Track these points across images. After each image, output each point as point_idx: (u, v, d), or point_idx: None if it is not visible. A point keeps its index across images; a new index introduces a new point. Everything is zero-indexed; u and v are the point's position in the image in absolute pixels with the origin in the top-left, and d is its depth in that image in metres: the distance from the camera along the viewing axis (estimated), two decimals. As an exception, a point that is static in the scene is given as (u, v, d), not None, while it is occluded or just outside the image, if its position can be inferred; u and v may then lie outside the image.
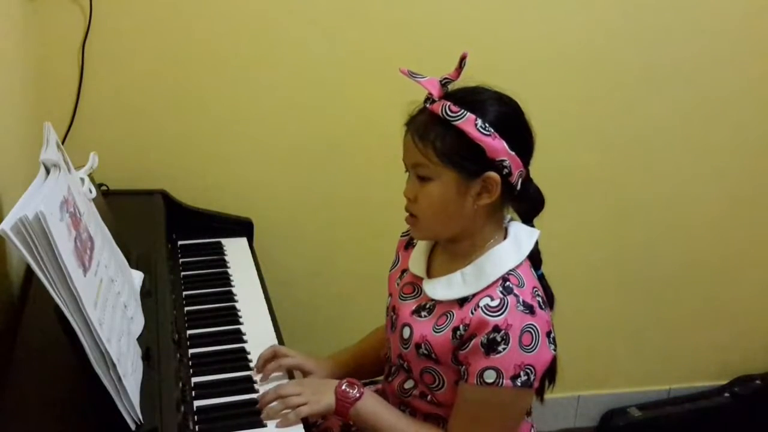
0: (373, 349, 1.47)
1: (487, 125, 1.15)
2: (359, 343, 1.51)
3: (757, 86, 2.25)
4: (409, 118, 1.23)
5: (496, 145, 1.16)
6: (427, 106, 1.20)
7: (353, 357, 1.48)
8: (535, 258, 1.26)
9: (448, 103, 1.17)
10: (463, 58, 1.20)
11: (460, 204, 1.19)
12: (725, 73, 2.21)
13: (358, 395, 1.25)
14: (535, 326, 1.16)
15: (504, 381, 1.14)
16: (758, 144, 2.31)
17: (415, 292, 1.30)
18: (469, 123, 1.15)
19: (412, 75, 1.21)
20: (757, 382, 2.49)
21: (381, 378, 1.44)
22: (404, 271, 1.35)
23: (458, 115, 1.16)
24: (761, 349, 2.54)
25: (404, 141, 1.23)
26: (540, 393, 1.26)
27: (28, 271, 1.39)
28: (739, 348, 2.53)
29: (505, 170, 1.18)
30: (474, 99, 1.19)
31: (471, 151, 1.16)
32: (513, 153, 1.17)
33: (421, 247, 1.33)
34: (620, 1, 2.07)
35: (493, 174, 1.17)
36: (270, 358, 1.35)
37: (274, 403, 1.22)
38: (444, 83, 1.20)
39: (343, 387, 1.26)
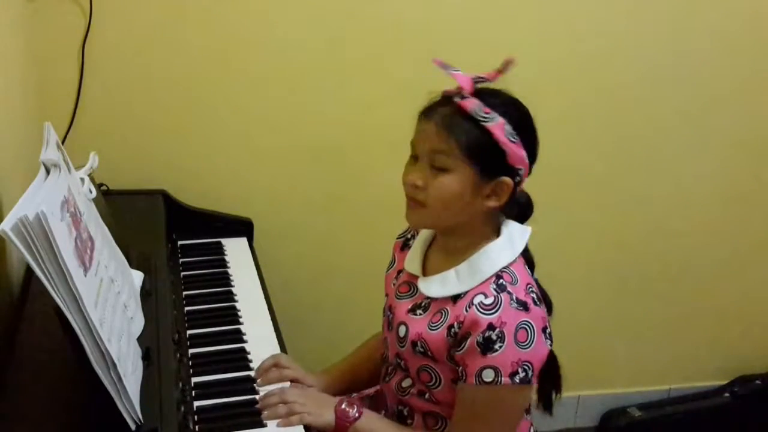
0: (367, 359, 1.47)
1: (514, 132, 1.16)
2: (353, 353, 1.51)
3: (757, 86, 2.25)
4: (428, 106, 1.21)
5: (519, 153, 1.17)
6: (456, 100, 1.18)
7: (349, 369, 1.48)
8: (528, 261, 1.27)
9: (482, 103, 1.16)
10: (508, 63, 1.19)
11: (469, 201, 1.19)
12: (725, 73, 2.21)
13: (357, 415, 1.26)
14: (529, 323, 1.16)
15: (502, 379, 1.14)
16: (758, 144, 2.31)
17: (410, 291, 1.31)
18: (498, 127, 1.16)
19: (445, 67, 1.20)
20: (757, 382, 2.49)
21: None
22: (400, 271, 1.35)
23: (490, 117, 1.16)
24: (761, 349, 2.54)
25: (422, 128, 1.20)
26: (548, 405, 1.28)
27: (28, 271, 1.39)
28: (739, 348, 2.53)
29: (518, 178, 1.19)
30: (499, 102, 1.18)
31: (493, 153, 1.16)
32: (528, 161, 1.19)
33: (416, 247, 1.33)
34: (621, 1, 2.07)
35: (507, 179, 1.18)
36: (270, 367, 1.35)
37: (279, 406, 1.23)
38: (477, 81, 1.19)
39: (343, 406, 1.27)
